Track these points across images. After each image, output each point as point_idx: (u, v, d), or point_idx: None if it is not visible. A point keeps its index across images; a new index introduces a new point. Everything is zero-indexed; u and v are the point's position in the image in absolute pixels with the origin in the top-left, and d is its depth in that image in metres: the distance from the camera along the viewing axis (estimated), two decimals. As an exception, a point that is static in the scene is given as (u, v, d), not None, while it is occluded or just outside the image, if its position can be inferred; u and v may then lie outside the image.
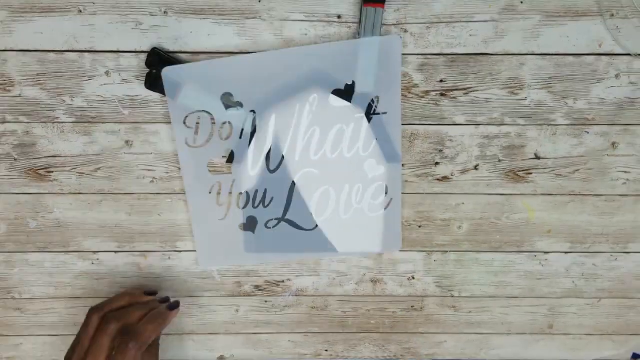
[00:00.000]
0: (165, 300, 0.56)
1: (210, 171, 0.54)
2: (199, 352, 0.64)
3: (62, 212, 0.56)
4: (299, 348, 0.64)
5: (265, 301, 0.61)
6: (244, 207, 0.55)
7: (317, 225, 0.56)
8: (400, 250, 0.59)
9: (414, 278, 0.60)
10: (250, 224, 0.56)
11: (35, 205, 0.56)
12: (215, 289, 0.60)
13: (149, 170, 0.55)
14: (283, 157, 0.53)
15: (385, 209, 0.56)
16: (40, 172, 0.55)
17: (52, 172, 0.55)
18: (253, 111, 0.52)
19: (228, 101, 0.50)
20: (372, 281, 0.60)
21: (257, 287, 0.61)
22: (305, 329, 0.63)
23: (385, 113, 0.52)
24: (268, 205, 0.55)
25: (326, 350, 0.65)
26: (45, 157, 0.54)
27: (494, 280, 0.61)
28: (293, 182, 0.54)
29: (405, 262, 0.60)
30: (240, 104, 0.51)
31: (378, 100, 0.52)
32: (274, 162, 0.54)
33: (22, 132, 0.53)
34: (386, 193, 0.55)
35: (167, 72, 0.49)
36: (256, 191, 0.55)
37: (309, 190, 0.55)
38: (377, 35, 0.49)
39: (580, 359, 0.65)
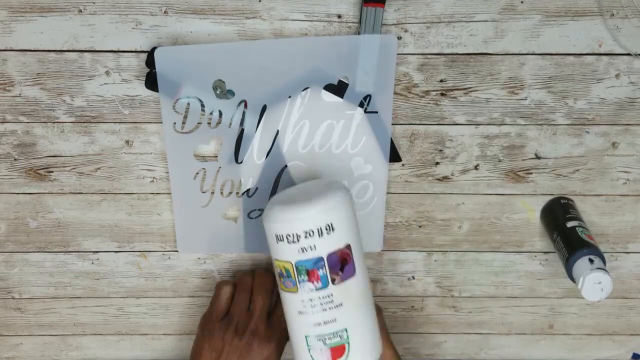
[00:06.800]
0: None
1: (196, 158, 0.54)
2: (199, 352, 0.64)
3: (62, 212, 0.56)
4: (299, 348, 0.64)
5: (265, 301, 0.61)
6: (228, 196, 0.55)
7: None
8: (401, 250, 0.59)
9: (414, 278, 0.60)
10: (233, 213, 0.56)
11: (35, 205, 0.56)
12: (215, 289, 0.60)
13: (149, 170, 0.55)
14: (271, 148, 0.53)
15: (368, 208, 0.56)
16: (40, 172, 0.55)
17: (52, 172, 0.55)
18: (244, 100, 0.51)
19: (220, 87, 0.50)
20: (372, 281, 0.60)
21: (257, 287, 0.61)
22: (305, 329, 0.63)
23: (376, 112, 0.52)
24: (252, 195, 0.55)
25: (326, 350, 0.64)
26: (45, 157, 0.54)
27: (494, 280, 0.61)
28: (279, 173, 0.54)
29: (405, 262, 0.60)
30: (231, 92, 0.51)
31: (370, 99, 0.52)
32: (261, 153, 0.53)
33: (22, 132, 0.53)
34: (371, 193, 0.55)
35: (160, 52, 0.49)
36: (241, 180, 0.54)
37: (295, 183, 0.55)
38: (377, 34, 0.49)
39: (580, 359, 0.65)
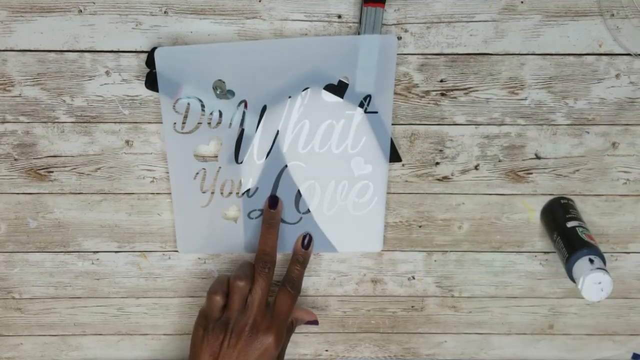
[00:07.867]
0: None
1: (196, 158, 0.54)
2: (199, 352, 0.64)
3: (62, 212, 0.56)
4: (299, 348, 0.64)
5: (265, 301, 0.61)
6: (228, 196, 0.55)
7: (300, 219, 0.56)
8: (401, 250, 0.59)
9: (414, 278, 0.60)
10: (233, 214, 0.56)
11: (35, 205, 0.56)
12: (215, 289, 0.60)
13: (149, 170, 0.55)
14: (271, 148, 0.53)
15: (368, 208, 0.56)
16: (40, 172, 0.55)
17: (52, 172, 0.55)
18: (244, 100, 0.51)
19: (220, 87, 0.50)
20: (372, 281, 0.60)
21: (257, 287, 0.61)
22: (306, 329, 0.63)
23: (376, 112, 0.52)
24: (252, 195, 0.55)
25: (326, 350, 0.65)
26: (45, 157, 0.54)
27: (494, 280, 0.61)
28: (279, 173, 0.54)
29: (405, 262, 0.60)
30: (231, 92, 0.51)
31: (370, 99, 0.52)
32: (261, 153, 0.53)
33: (22, 132, 0.53)
34: (371, 193, 0.55)
35: (160, 52, 0.49)
36: (241, 180, 0.54)
37: (295, 183, 0.55)
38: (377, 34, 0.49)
39: (580, 359, 0.65)
